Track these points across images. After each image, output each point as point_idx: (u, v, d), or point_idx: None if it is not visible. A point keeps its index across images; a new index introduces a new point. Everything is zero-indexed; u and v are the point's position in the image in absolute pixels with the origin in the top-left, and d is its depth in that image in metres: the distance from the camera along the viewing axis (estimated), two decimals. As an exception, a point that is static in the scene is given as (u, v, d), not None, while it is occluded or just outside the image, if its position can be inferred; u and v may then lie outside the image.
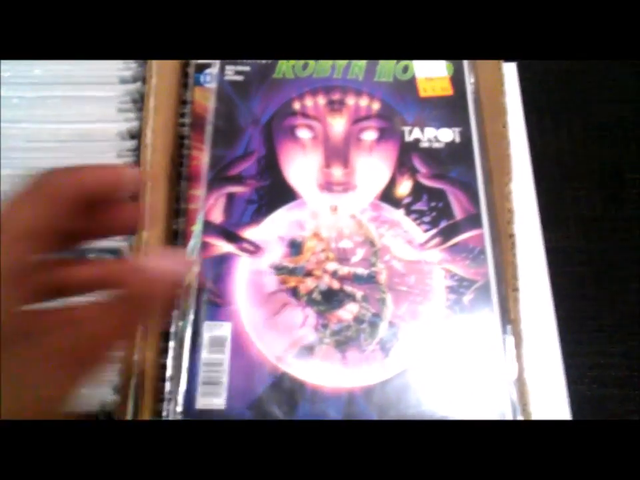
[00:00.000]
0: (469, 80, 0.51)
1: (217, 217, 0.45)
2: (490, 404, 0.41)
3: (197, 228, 0.43)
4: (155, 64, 0.51)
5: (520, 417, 0.41)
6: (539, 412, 0.41)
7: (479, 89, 0.52)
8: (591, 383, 0.49)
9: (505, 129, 0.45)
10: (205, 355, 0.41)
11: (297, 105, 0.49)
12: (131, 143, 0.50)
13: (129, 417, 0.40)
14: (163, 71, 0.51)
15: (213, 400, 0.40)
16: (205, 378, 0.41)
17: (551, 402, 0.46)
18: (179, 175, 0.52)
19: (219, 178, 0.46)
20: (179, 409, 0.40)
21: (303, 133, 0.48)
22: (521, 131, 0.53)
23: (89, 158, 0.49)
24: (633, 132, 0.58)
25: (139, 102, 0.52)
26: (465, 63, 0.52)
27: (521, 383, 0.40)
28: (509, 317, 0.43)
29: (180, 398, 0.40)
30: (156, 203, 0.46)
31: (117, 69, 0.53)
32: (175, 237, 0.49)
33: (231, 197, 0.45)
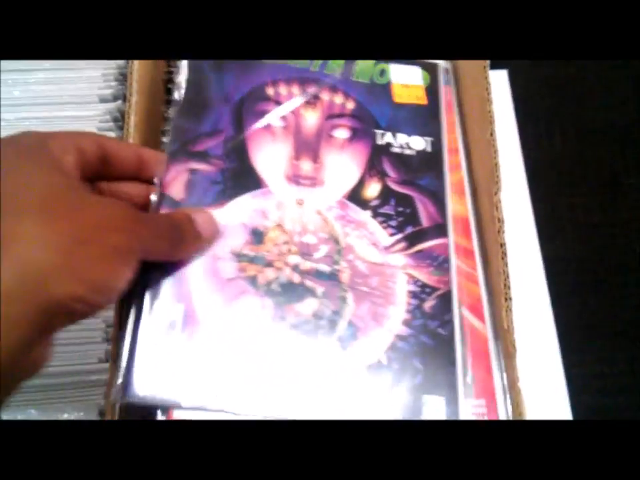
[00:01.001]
0: (445, 90, 0.51)
1: (177, 192, 0.42)
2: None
3: (153, 199, 0.41)
4: (135, 82, 0.50)
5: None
6: (531, 399, 0.38)
7: (462, 98, 0.51)
8: (595, 393, 0.48)
9: (492, 137, 0.44)
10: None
11: (270, 91, 0.48)
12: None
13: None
14: (143, 88, 0.50)
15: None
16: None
17: (554, 413, 0.43)
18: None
19: (182, 151, 0.44)
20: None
21: (275, 121, 0.47)
22: (514, 138, 0.53)
23: None
24: (628, 137, 0.57)
25: (120, 120, 0.51)
26: (442, 73, 0.52)
27: (515, 393, 0.38)
28: (500, 326, 0.41)
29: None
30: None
31: (97, 87, 0.52)
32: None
33: (193, 174, 0.43)
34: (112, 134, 0.50)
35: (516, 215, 0.43)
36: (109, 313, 0.44)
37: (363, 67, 0.50)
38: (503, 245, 0.41)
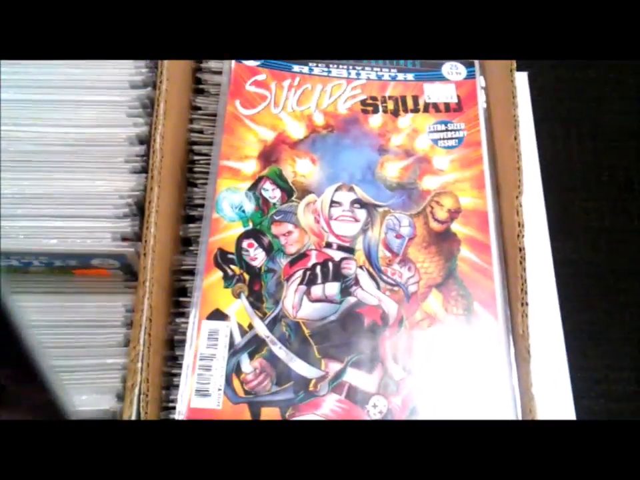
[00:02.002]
0: (470, 82, 0.51)
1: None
2: (493, 418, 0.41)
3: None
4: (165, 69, 0.50)
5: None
6: (543, 404, 0.40)
7: (489, 100, 0.52)
8: (598, 398, 0.49)
9: (516, 141, 0.44)
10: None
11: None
12: (140, 148, 0.50)
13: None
14: (173, 76, 0.50)
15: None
16: None
17: (557, 416, 0.45)
18: (188, 180, 0.52)
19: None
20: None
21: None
22: (531, 140, 0.53)
23: (97, 163, 0.49)
24: (644, 142, 0.57)
25: (149, 107, 0.52)
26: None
27: (528, 398, 0.40)
28: (516, 331, 0.43)
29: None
30: (163, 208, 0.46)
31: (127, 73, 0.52)
32: (185, 243, 0.50)
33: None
34: (140, 120, 0.51)
35: (529, 215, 0.44)
36: (129, 297, 0.46)
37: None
38: (522, 249, 0.43)
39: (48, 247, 0.45)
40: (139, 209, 0.47)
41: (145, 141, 0.50)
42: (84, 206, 0.47)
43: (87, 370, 0.45)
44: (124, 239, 0.46)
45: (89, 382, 0.45)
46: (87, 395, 0.44)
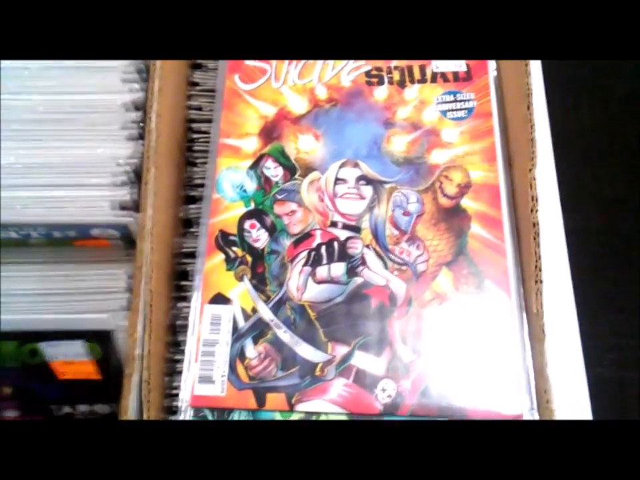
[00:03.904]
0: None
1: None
2: (507, 399, 0.40)
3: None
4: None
5: (536, 415, 0.39)
6: (557, 397, 0.38)
7: (500, 67, 0.49)
8: (610, 365, 0.48)
9: (529, 111, 0.42)
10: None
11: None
12: (136, 114, 0.48)
13: (132, 413, 0.39)
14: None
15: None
16: None
17: (570, 385, 0.44)
18: (187, 160, 0.50)
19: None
20: None
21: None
22: (542, 108, 0.51)
23: (93, 130, 0.47)
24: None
25: (144, 72, 0.49)
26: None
27: (543, 379, 0.38)
28: (529, 309, 0.41)
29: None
30: (162, 189, 0.44)
31: None
32: (186, 225, 0.48)
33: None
34: (136, 86, 0.49)
35: (540, 185, 0.42)
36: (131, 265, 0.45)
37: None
38: (535, 224, 0.41)
39: (46, 217, 0.44)
40: (137, 177, 0.46)
41: (141, 107, 0.48)
42: (81, 174, 0.46)
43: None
44: (123, 208, 0.45)
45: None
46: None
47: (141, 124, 0.47)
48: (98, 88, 0.49)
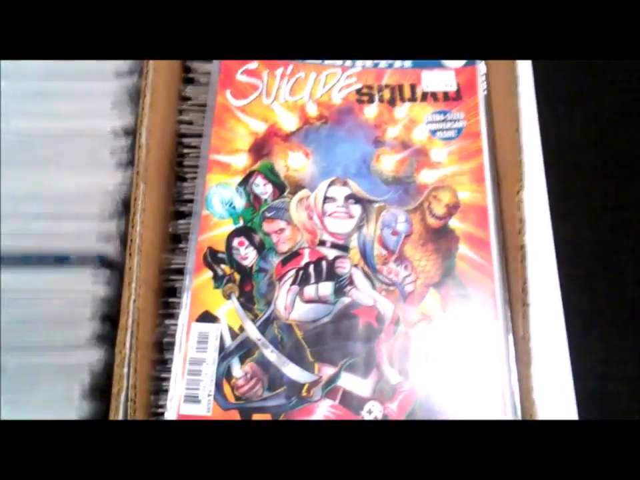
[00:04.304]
0: (470, 70, 0.50)
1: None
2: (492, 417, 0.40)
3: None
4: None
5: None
6: (545, 409, 0.38)
7: (490, 87, 0.50)
8: (598, 379, 0.48)
9: (517, 132, 0.42)
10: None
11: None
12: (126, 141, 0.47)
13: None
14: (160, 64, 0.48)
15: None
16: None
17: (557, 399, 0.44)
18: (177, 175, 0.50)
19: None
20: None
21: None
22: (533, 116, 0.51)
23: (82, 156, 0.47)
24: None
25: (136, 97, 0.49)
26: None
27: (529, 404, 0.38)
28: (516, 332, 0.41)
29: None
30: (151, 205, 0.44)
31: (113, 62, 0.50)
32: (174, 240, 0.48)
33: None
34: (126, 111, 0.48)
35: (531, 196, 0.42)
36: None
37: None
38: (522, 247, 0.41)
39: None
40: (125, 207, 0.45)
41: (131, 132, 0.47)
42: (69, 204, 0.45)
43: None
44: (108, 240, 0.45)
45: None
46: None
47: (131, 150, 0.47)
48: (88, 113, 0.48)
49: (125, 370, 0.40)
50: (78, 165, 0.47)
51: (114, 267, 0.44)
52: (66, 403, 0.41)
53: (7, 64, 0.49)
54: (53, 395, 0.42)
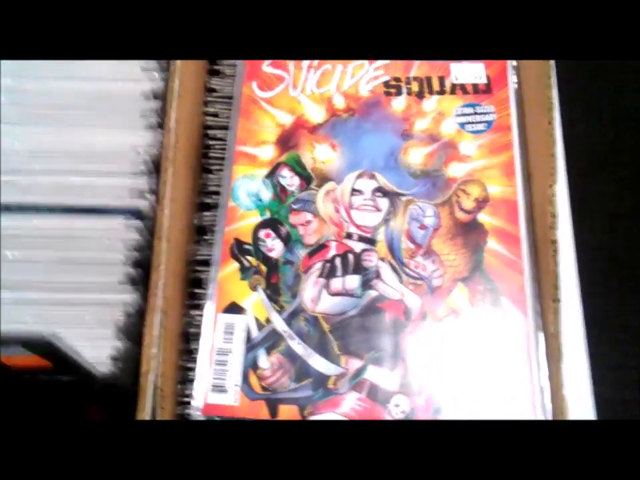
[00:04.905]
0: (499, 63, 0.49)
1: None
2: (522, 419, 0.39)
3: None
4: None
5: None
6: (575, 406, 0.38)
7: (521, 80, 0.49)
8: (614, 385, 0.47)
9: (550, 125, 0.42)
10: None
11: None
12: (155, 103, 0.47)
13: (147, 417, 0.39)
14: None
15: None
16: None
17: (574, 403, 0.43)
18: (202, 167, 0.50)
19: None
20: None
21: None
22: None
23: (112, 118, 0.47)
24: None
25: (165, 63, 0.48)
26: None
27: (560, 400, 0.38)
28: (546, 329, 0.41)
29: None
30: (177, 194, 0.44)
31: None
32: (200, 232, 0.48)
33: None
34: (155, 75, 0.48)
35: (562, 189, 0.41)
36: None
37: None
38: (555, 242, 0.40)
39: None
40: (155, 167, 0.46)
41: (160, 96, 0.47)
42: (99, 162, 0.46)
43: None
44: (141, 196, 0.45)
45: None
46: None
47: (160, 113, 0.47)
48: (119, 75, 0.48)
49: (154, 350, 0.40)
50: (109, 125, 0.47)
51: (145, 219, 0.45)
52: (101, 340, 0.42)
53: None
54: (88, 333, 0.42)
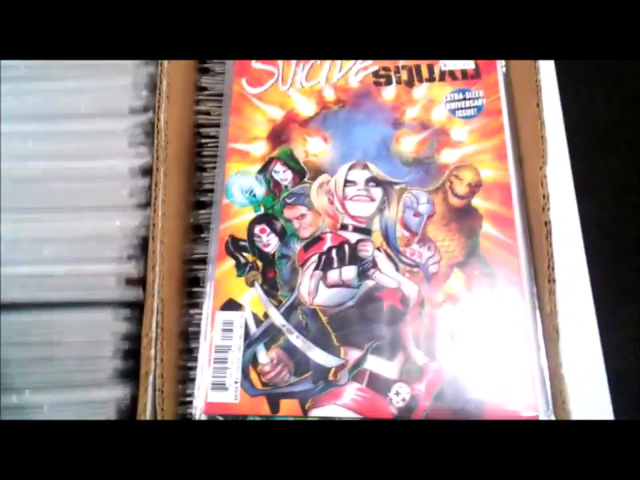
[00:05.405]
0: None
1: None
2: (522, 401, 0.39)
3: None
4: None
5: (552, 417, 0.39)
6: (573, 384, 0.38)
7: (509, 64, 0.49)
8: (627, 356, 0.47)
9: (539, 108, 0.42)
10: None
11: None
12: (145, 181, 0.46)
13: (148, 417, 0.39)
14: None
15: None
16: None
17: (586, 374, 0.43)
18: (196, 165, 0.50)
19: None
20: None
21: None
22: (554, 96, 0.50)
23: (99, 198, 0.46)
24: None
25: (152, 133, 0.46)
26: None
27: (557, 379, 0.38)
28: (543, 309, 0.41)
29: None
30: (170, 194, 0.44)
31: (128, 97, 0.48)
32: (196, 230, 0.48)
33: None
34: (143, 149, 0.46)
35: (554, 176, 0.41)
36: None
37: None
38: (547, 223, 0.40)
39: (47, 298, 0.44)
40: (143, 249, 0.44)
41: (149, 172, 0.45)
42: (86, 248, 0.44)
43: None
44: (129, 283, 0.44)
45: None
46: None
47: (149, 190, 0.45)
48: (103, 153, 0.47)
49: (152, 352, 0.40)
50: (96, 207, 0.46)
51: (134, 306, 0.44)
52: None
53: (12, 106, 0.48)
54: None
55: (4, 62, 0.48)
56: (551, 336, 0.39)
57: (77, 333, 0.43)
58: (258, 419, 0.41)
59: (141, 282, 0.44)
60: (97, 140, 0.47)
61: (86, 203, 0.46)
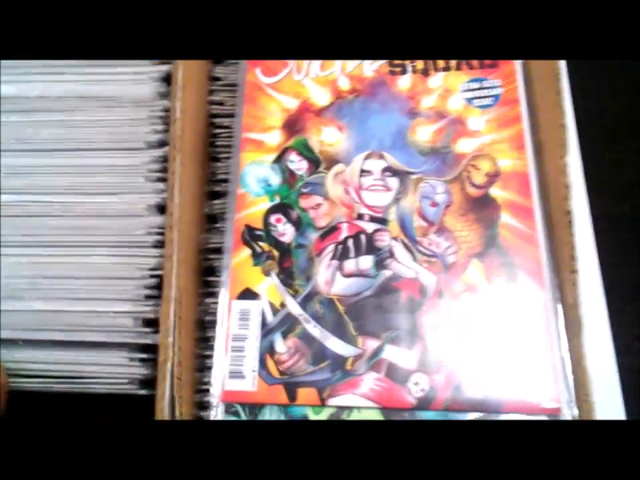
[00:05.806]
0: None
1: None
2: (544, 393, 0.39)
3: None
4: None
5: (575, 409, 0.39)
6: (596, 377, 0.38)
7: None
8: (638, 354, 0.47)
9: (559, 96, 0.41)
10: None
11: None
12: (162, 219, 0.45)
13: (166, 409, 0.39)
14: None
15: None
16: None
17: (604, 377, 0.43)
18: (210, 155, 0.50)
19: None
20: None
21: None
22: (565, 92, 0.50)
23: (110, 237, 0.46)
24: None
25: (165, 171, 0.46)
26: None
27: (581, 372, 0.37)
28: (565, 300, 0.40)
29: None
30: (185, 184, 0.44)
31: (142, 132, 0.48)
32: (210, 220, 0.48)
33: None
34: (160, 186, 0.46)
35: (574, 160, 0.41)
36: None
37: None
38: (569, 212, 0.40)
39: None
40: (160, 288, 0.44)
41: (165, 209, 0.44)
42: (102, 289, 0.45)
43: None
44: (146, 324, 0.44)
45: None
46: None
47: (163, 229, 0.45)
48: (116, 189, 0.47)
49: (170, 340, 0.40)
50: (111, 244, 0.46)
51: (150, 350, 0.44)
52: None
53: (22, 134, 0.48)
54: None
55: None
56: (573, 328, 0.38)
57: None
58: (275, 407, 0.40)
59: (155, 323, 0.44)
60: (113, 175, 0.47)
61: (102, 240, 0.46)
